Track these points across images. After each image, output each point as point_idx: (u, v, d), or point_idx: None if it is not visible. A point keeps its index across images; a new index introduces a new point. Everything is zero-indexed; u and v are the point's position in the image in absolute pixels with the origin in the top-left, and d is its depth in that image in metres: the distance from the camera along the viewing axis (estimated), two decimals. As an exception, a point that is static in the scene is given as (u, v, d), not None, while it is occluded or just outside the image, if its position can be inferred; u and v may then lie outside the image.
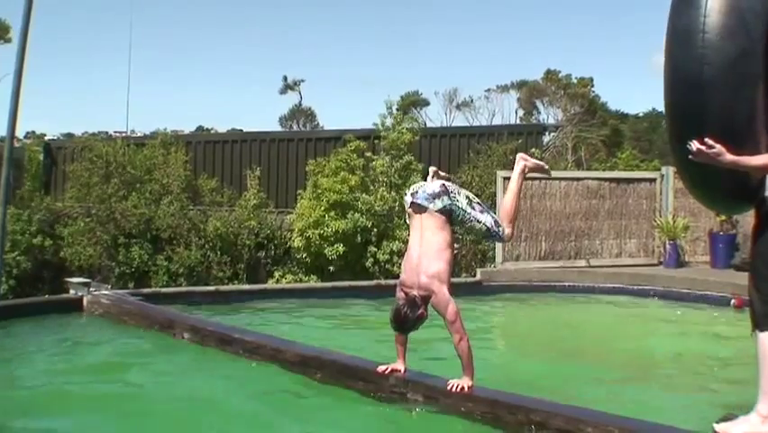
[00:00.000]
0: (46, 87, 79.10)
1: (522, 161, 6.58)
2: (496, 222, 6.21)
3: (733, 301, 11.46)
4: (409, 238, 6.20)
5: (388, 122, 17.24)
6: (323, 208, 15.01)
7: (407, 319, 5.81)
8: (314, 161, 16.47)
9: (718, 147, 4.63)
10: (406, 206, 6.22)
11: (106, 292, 10.44)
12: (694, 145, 4.67)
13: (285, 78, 59.84)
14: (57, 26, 78.82)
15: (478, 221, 6.15)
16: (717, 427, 5.06)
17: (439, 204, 5.99)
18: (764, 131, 4.93)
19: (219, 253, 15.48)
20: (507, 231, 6.29)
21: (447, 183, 6.12)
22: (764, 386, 4.90)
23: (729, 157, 4.66)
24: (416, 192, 6.09)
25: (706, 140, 4.63)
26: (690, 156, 4.74)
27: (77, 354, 8.27)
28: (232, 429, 5.96)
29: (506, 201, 6.46)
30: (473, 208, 6.12)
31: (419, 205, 6.04)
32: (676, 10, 5.02)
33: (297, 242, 15.26)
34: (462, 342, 5.79)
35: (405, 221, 14.86)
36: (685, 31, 4.90)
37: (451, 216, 6.06)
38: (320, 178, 15.58)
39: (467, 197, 6.17)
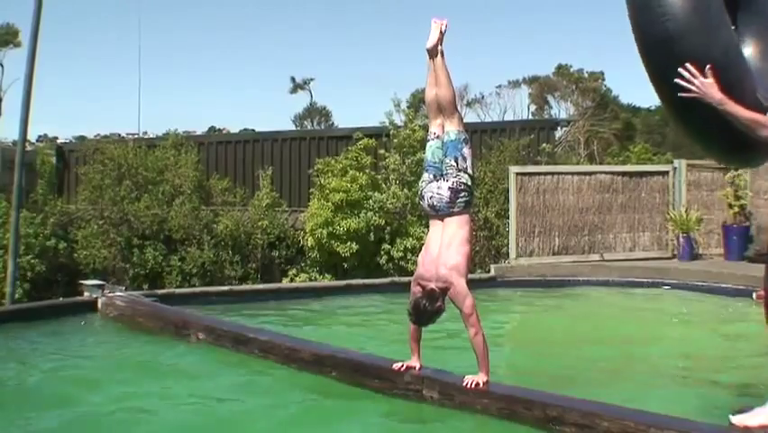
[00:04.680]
0: (58, 90, 79.38)
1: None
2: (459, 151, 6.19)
3: (754, 294, 11.32)
4: (429, 232, 6.24)
5: (397, 119, 17.25)
6: (330, 209, 15.01)
7: (426, 311, 5.84)
8: (321, 160, 16.49)
9: (711, 79, 4.71)
10: (427, 212, 6.27)
11: (121, 294, 10.46)
12: (686, 72, 4.77)
13: (293, 79, 60.06)
14: (68, 29, 79.06)
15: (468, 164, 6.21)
16: (733, 419, 5.05)
17: (461, 204, 6.06)
18: (749, 86, 5.04)
19: (231, 252, 15.52)
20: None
21: (452, 183, 6.08)
22: None
23: (719, 94, 4.73)
24: (435, 205, 6.10)
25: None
26: (680, 93, 4.83)
27: (91, 358, 8.29)
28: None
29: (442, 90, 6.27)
30: (465, 168, 6.15)
31: (443, 214, 6.10)
32: None
33: (310, 241, 15.28)
34: (478, 336, 5.81)
35: (418, 218, 15.06)
36: None
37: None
38: (328, 177, 15.59)
39: (455, 159, 6.15)
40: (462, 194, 6.04)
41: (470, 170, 6.15)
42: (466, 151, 6.16)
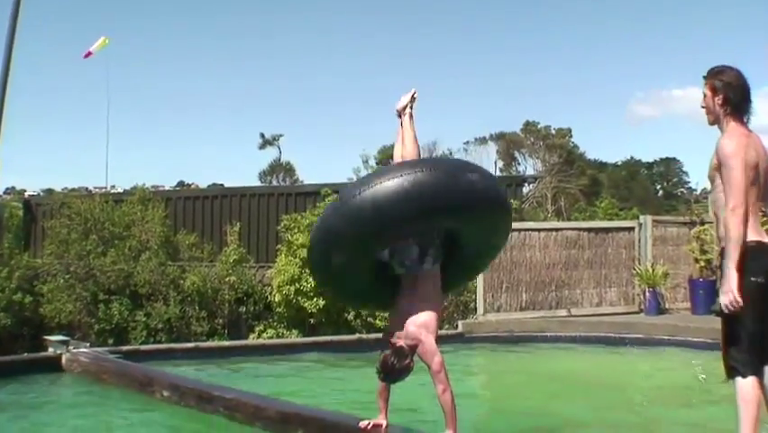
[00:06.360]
0: (26, 141, 79.04)
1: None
2: None
3: None
4: (400, 289, 6.19)
5: (364, 174, 17.29)
6: (298, 265, 14.93)
7: (394, 369, 5.79)
8: (288, 216, 16.45)
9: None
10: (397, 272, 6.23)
11: (85, 350, 10.35)
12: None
13: (262, 135, 60.25)
14: (40, 82, 78.99)
15: None
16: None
17: (430, 261, 6.06)
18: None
19: (198, 308, 15.41)
20: None
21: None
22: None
23: None
24: (404, 263, 6.10)
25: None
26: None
27: (53, 417, 8.19)
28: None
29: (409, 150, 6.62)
30: None
31: (412, 272, 6.10)
32: None
33: (277, 297, 15.18)
34: (446, 393, 5.78)
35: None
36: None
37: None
38: (295, 233, 15.53)
39: None
40: (430, 251, 6.04)
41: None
42: None
